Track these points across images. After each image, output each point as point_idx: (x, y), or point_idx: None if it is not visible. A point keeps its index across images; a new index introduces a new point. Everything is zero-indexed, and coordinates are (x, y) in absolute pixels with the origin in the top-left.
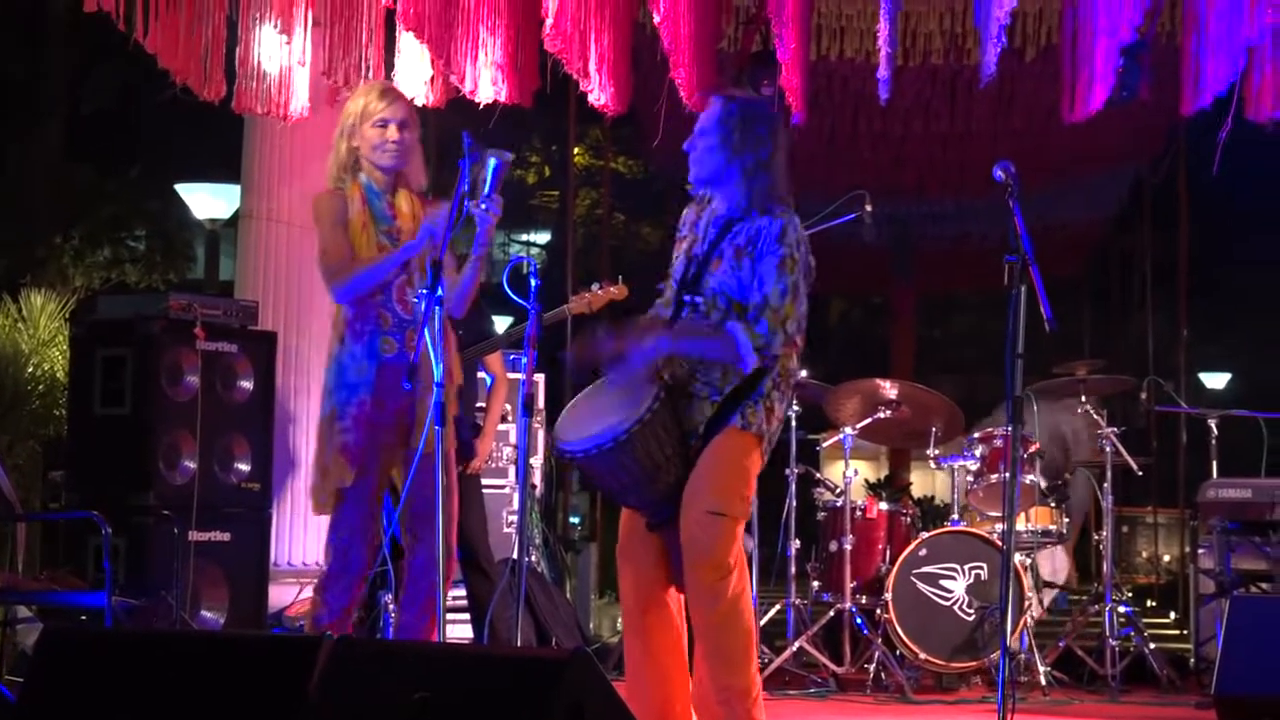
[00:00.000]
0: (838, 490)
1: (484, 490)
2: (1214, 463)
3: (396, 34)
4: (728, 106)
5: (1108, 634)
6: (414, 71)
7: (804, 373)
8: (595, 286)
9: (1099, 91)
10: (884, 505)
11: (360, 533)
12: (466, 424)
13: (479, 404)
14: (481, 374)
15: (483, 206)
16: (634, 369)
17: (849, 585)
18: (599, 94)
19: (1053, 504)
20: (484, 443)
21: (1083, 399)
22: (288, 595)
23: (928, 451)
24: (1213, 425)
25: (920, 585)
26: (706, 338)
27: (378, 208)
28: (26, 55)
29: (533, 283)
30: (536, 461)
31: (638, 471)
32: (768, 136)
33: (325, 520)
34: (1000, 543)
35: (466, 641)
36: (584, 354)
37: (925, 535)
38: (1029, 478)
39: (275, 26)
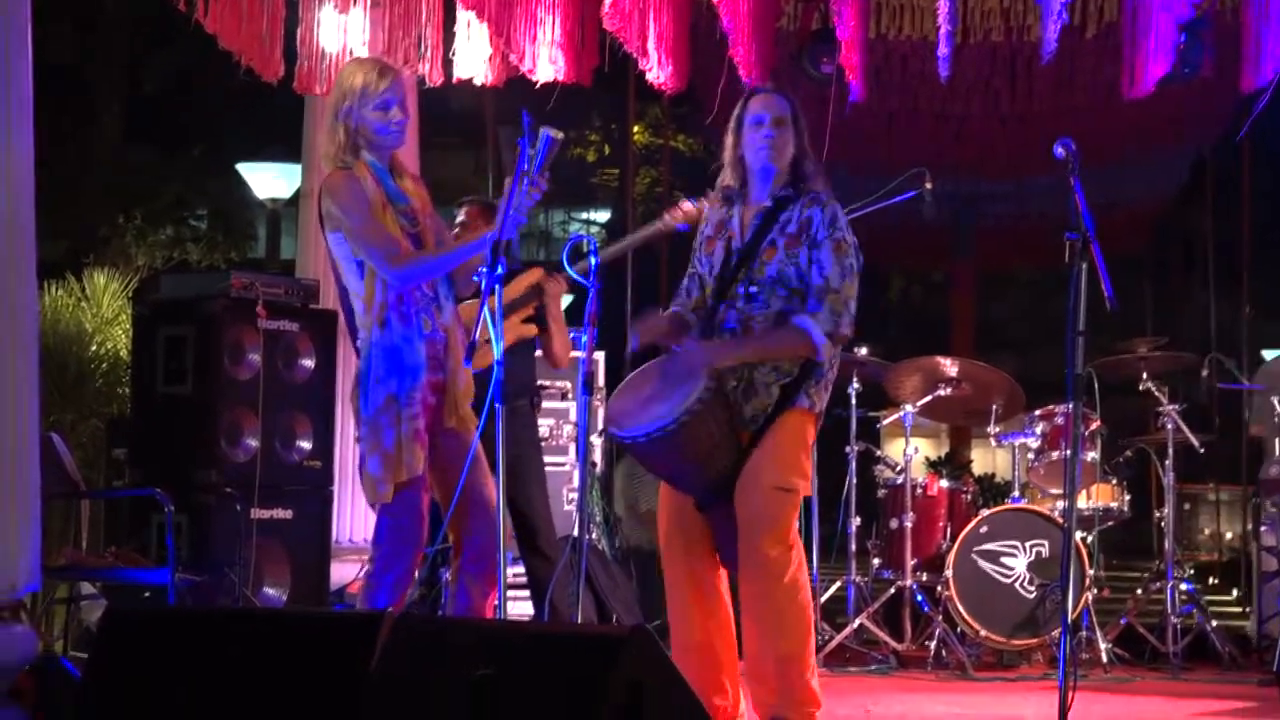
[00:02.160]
0: (898, 468)
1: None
2: (1276, 440)
3: (455, 12)
4: (793, 101)
5: (1169, 611)
6: (473, 50)
7: (864, 350)
8: (691, 200)
9: (1156, 68)
10: (944, 483)
11: (419, 514)
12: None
13: (540, 382)
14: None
15: (530, 183)
16: (693, 366)
17: (910, 562)
18: (658, 72)
19: (1114, 481)
20: (559, 338)
21: (1144, 376)
22: (349, 572)
23: (988, 429)
24: (1275, 403)
25: (981, 562)
26: (777, 337)
27: (390, 187)
28: (86, 39)
29: (592, 260)
30: (597, 439)
31: (690, 456)
32: (808, 129)
33: None
34: (1061, 520)
35: (526, 620)
36: (650, 337)
37: (986, 512)
38: (1090, 455)
39: (334, 6)
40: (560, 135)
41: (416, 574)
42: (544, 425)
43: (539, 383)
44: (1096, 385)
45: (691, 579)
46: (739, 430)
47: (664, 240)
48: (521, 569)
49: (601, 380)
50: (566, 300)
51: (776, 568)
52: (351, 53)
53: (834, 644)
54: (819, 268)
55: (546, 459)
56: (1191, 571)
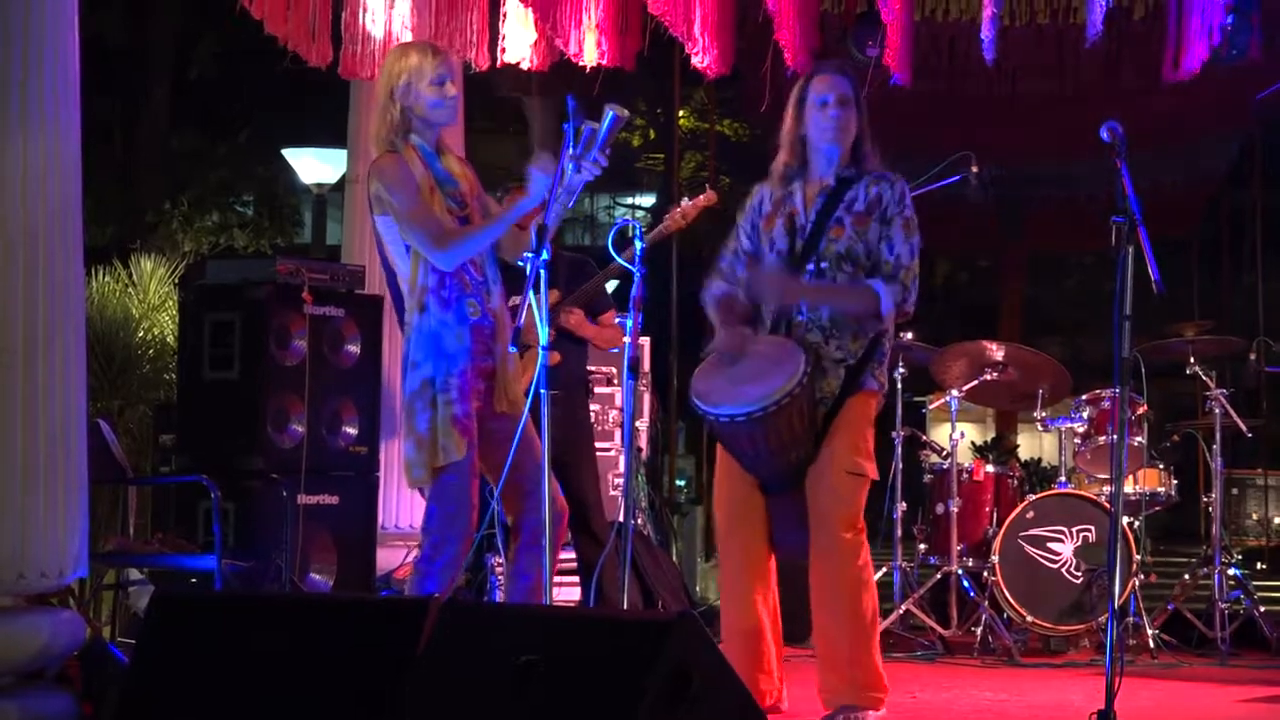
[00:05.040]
0: (944, 453)
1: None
2: None
3: None
4: (854, 78)
5: (1217, 597)
6: (518, 35)
7: (910, 335)
8: (685, 200)
9: (1200, 49)
10: (991, 468)
11: (468, 502)
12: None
13: (589, 367)
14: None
15: (590, 160)
16: (775, 298)
17: (956, 548)
18: (703, 56)
19: (1161, 466)
20: (606, 329)
21: (1191, 360)
22: (395, 558)
23: (1035, 414)
24: None
25: (1027, 548)
26: (851, 292)
27: (438, 170)
28: (131, 24)
29: (638, 246)
30: (642, 424)
31: (776, 441)
32: (867, 107)
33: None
34: (1108, 505)
35: (574, 605)
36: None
37: (1032, 498)
38: (1137, 439)
39: None
40: (626, 113)
41: (465, 560)
42: (590, 410)
43: (589, 367)
44: (1143, 369)
45: (749, 563)
46: (816, 413)
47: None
48: (572, 554)
49: (647, 365)
50: (611, 285)
51: (850, 552)
52: (397, 38)
53: (879, 630)
54: (889, 244)
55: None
56: (1239, 557)
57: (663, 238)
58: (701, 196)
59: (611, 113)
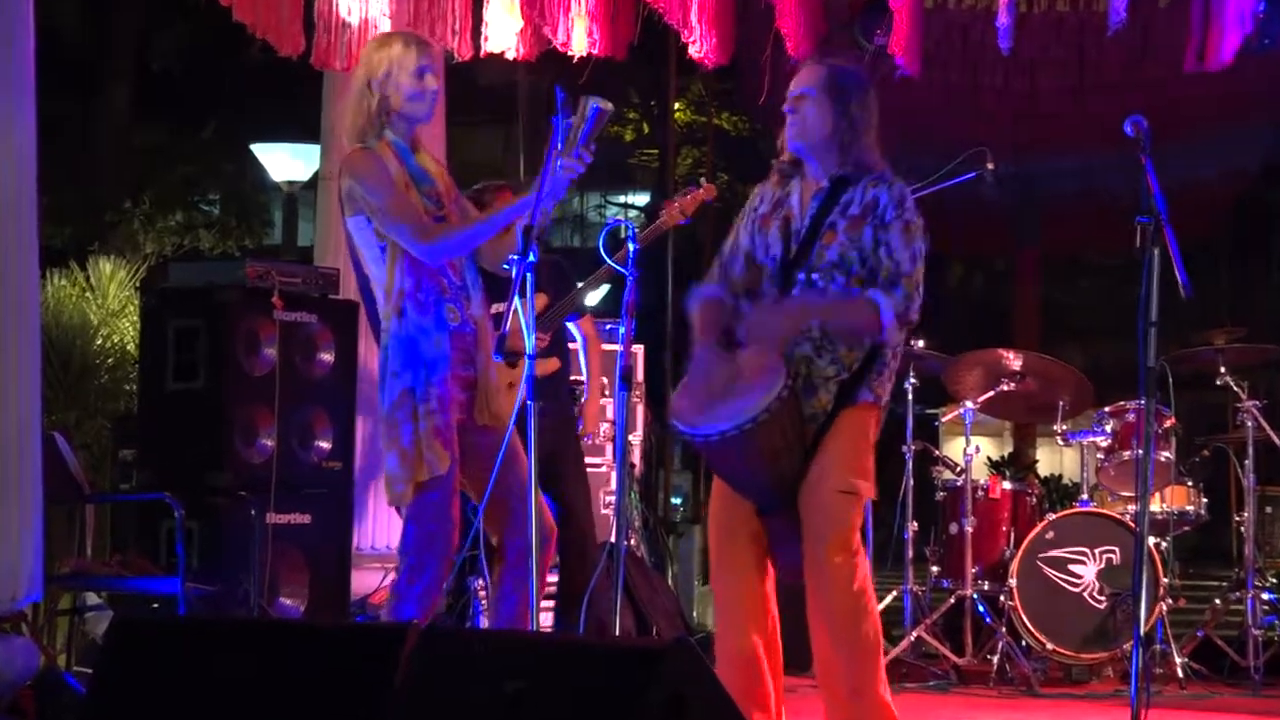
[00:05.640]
0: (958, 469)
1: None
2: None
3: None
4: (832, 70)
5: (1250, 623)
6: (503, 22)
7: (921, 343)
8: (684, 193)
9: (1231, 39)
10: (1008, 484)
11: (449, 521)
12: (565, 390)
13: (573, 376)
14: (573, 344)
15: (573, 156)
16: (771, 341)
17: (970, 570)
18: (700, 45)
19: (1190, 483)
20: (592, 405)
21: (1221, 370)
22: (371, 581)
23: (1055, 426)
24: None
25: (1047, 570)
26: (847, 308)
27: (414, 168)
28: (91, 12)
29: (630, 247)
30: (636, 438)
31: (761, 459)
32: (871, 105)
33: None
34: (1133, 525)
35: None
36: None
37: (1052, 517)
38: (1164, 454)
39: None
40: (609, 107)
41: (445, 583)
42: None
43: (573, 377)
44: (1170, 379)
45: (742, 588)
46: (804, 429)
47: (706, 225)
48: (553, 578)
49: (640, 374)
50: (604, 289)
51: (842, 575)
52: (375, 26)
53: (889, 658)
54: (887, 250)
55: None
56: (1274, 580)
57: (658, 235)
58: (700, 189)
59: (593, 105)
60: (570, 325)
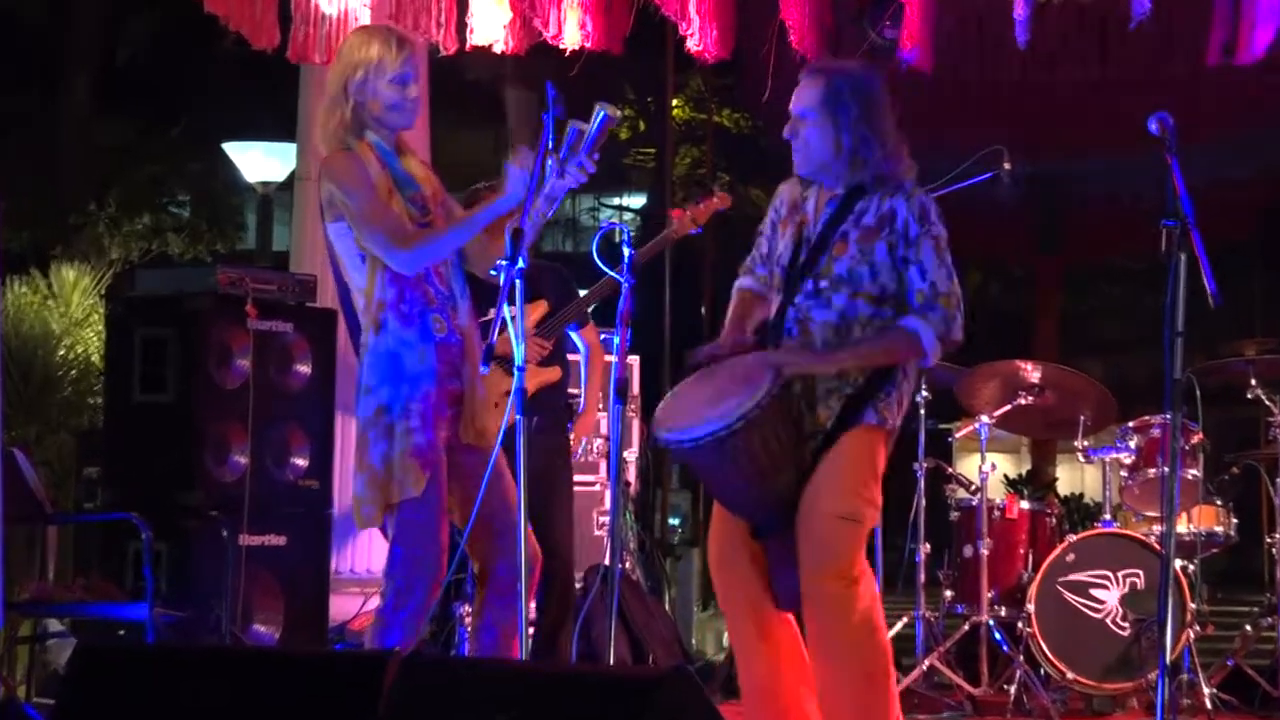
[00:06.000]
0: (973, 487)
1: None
2: None
3: None
4: (831, 82)
5: None
6: (490, 14)
7: None
8: (695, 201)
9: (1264, 32)
10: (1026, 504)
11: (436, 543)
12: (561, 405)
13: (571, 389)
14: (574, 356)
15: (576, 165)
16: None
17: (986, 595)
18: (699, 38)
19: (1219, 502)
20: (588, 416)
21: (1252, 382)
22: (351, 606)
23: (1075, 443)
24: None
25: (1067, 595)
26: (883, 343)
27: (398, 171)
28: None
29: (626, 252)
30: (631, 455)
31: (748, 469)
32: (882, 109)
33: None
34: (1159, 547)
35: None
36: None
37: (1073, 538)
38: (1191, 472)
39: None
40: (618, 114)
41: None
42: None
43: (570, 390)
44: (1198, 392)
45: (753, 612)
46: (802, 446)
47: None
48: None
49: (636, 388)
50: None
51: (840, 606)
52: (355, 17)
53: (901, 688)
54: (919, 269)
55: (575, 477)
56: None
57: (666, 246)
58: (715, 198)
59: (603, 112)
60: (573, 334)
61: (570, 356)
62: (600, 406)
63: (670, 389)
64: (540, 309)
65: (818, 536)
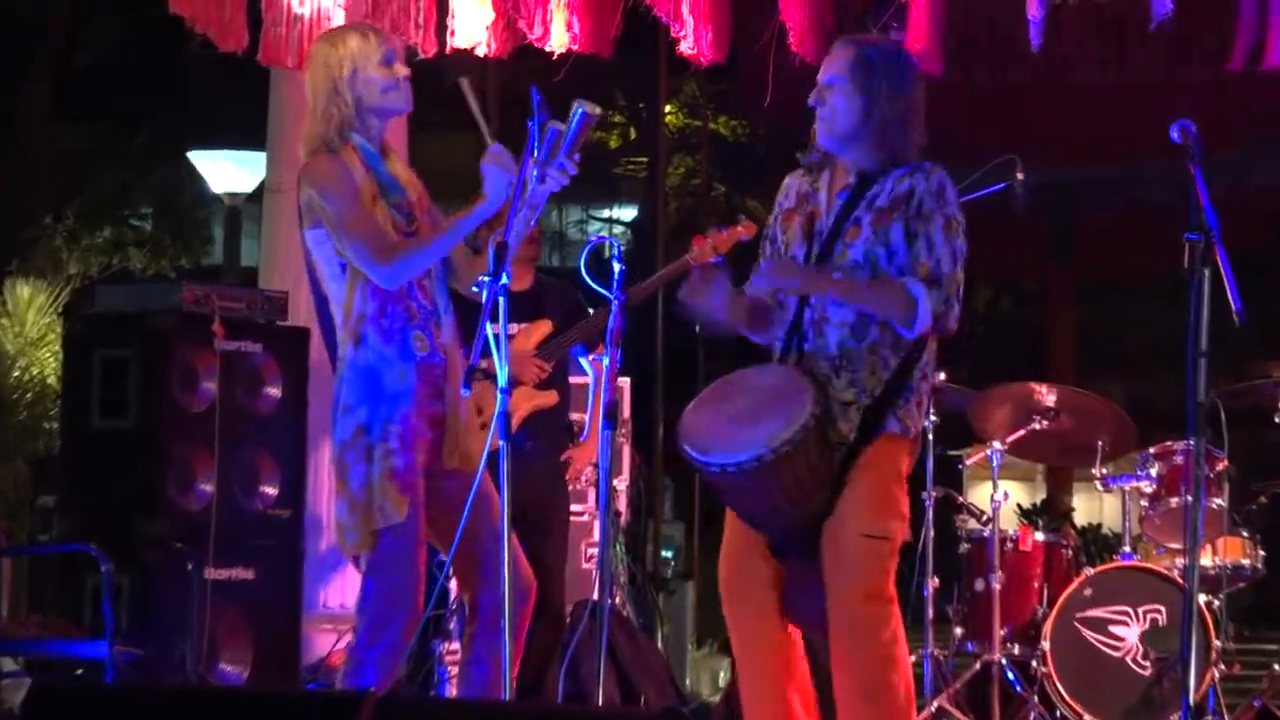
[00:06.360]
0: (984, 517)
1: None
2: None
3: None
4: (862, 52)
5: None
6: (472, 14)
7: (942, 375)
8: (719, 228)
9: None
10: (1040, 535)
11: (414, 572)
12: (560, 429)
13: (574, 414)
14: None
15: (557, 167)
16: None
17: (998, 632)
18: (692, 40)
19: (1245, 533)
20: (588, 445)
21: None
22: (324, 644)
23: (1093, 470)
24: None
25: (1085, 632)
26: (882, 290)
27: (383, 174)
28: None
29: (616, 268)
30: (621, 483)
31: (780, 494)
32: (910, 87)
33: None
34: (1182, 581)
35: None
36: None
37: (1090, 572)
38: (1216, 501)
39: None
40: (597, 111)
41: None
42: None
43: (573, 415)
44: (1223, 416)
45: (761, 632)
46: (830, 459)
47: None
48: None
49: (627, 411)
50: None
51: (869, 628)
52: (329, 18)
53: None
54: (926, 243)
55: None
56: None
57: (682, 274)
58: (740, 227)
59: (581, 110)
60: (581, 360)
61: (574, 379)
62: None
63: (664, 414)
64: (543, 328)
65: (847, 556)
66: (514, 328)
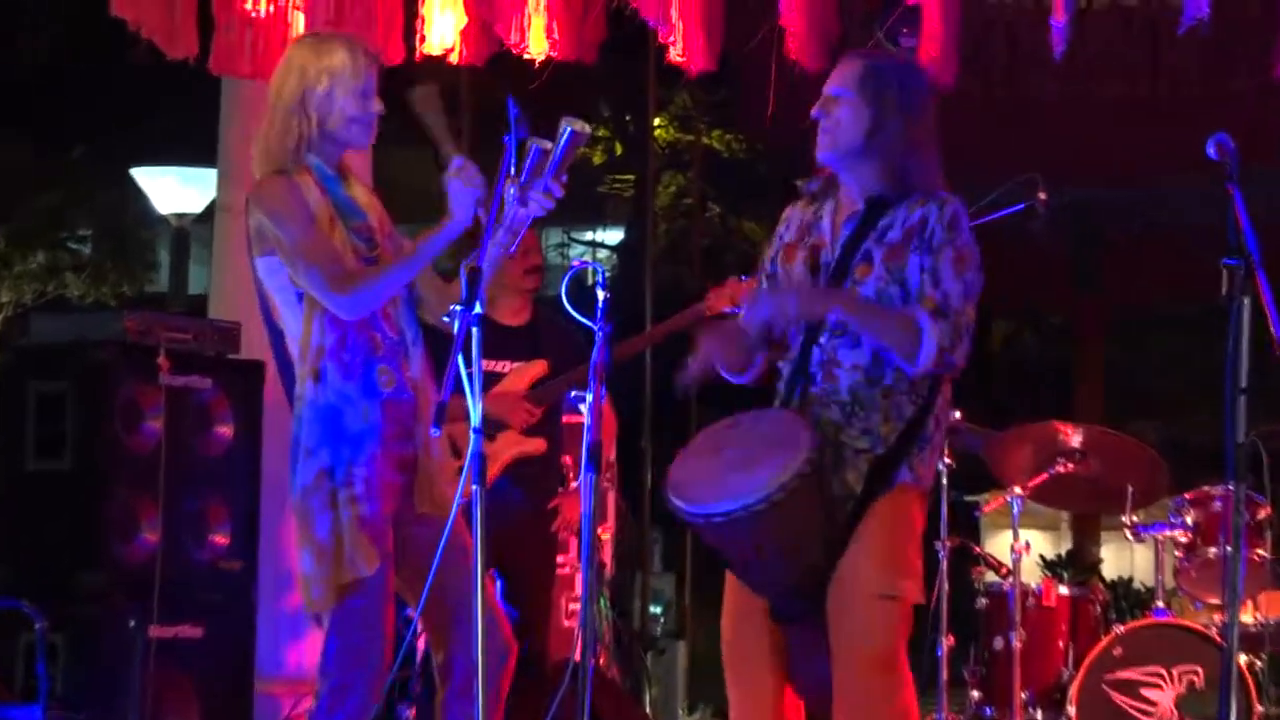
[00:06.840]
0: (1004, 570)
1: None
2: None
3: None
4: (872, 63)
5: None
6: (444, 19)
7: (956, 414)
8: (738, 278)
9: None
10: (1065, 589)
11: (380, 631)
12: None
13: (567, 457)
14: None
15: (541, 189)
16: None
17: (1019, 696)
18: (682, 46)
19: None
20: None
21: None
22: (278, 710)
23: (1123, 518)
24: None
25: (1115, 696)
26: (888, 317)
27: (340, 197)
28: None
29: (600, 295)
30: (606, 533)
31: (776, 546)
32: (924, 105)
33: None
34: (1220, 639)
35: None
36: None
37: (1121, 629)
38: (1258, 552)
39: None
40: (587, 130)
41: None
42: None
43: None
44: (1265, 459)
45: (761, 699)
46: (833, 513)
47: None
48: None
49: (612, 454)
50: None
51: (877, 700)
52: (288, 22)
53: None
54: (933, 278)
55: None
56: None
57: (689, 323)
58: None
59: (569, 129)
60: (580, 408)
61: (568, 418)
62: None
63: (652, 457)
64: (538, 369)
65: (854, 619)
66: (507, 365)
